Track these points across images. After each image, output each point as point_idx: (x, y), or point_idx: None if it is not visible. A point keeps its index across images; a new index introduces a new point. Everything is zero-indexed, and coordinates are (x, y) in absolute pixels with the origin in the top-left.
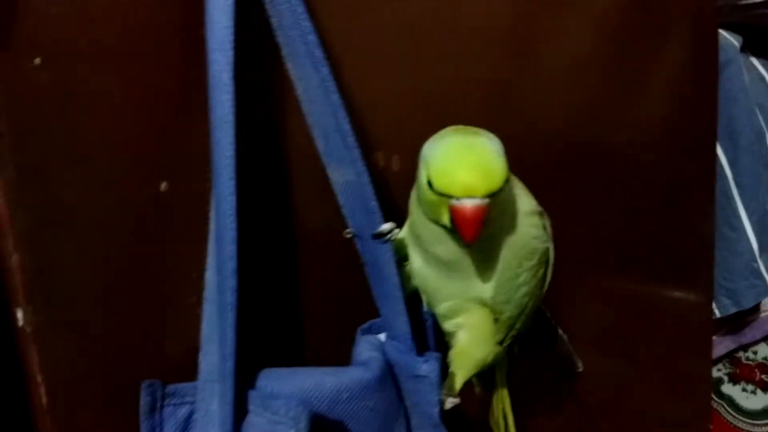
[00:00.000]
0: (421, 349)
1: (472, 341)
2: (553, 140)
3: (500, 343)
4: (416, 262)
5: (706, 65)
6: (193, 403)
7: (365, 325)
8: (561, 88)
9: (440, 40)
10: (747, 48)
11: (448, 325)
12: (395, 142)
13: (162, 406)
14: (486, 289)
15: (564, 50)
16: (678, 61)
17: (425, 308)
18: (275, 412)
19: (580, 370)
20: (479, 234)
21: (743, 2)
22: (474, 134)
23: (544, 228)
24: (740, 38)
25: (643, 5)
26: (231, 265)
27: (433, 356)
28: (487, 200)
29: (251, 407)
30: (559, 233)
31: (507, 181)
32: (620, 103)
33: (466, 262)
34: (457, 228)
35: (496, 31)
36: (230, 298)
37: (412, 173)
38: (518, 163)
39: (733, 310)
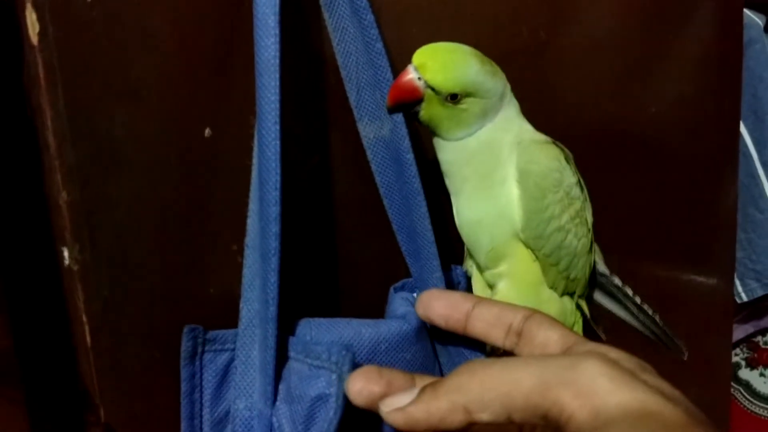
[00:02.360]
0: None
1: (512, 286)
2: (576, 119)
3: (558, 293)
4: (456, 209)
5: (731, 43)
6: (233, 350)
7: (398, 284)
8: (586, 66)
9: (475, 8)
10: None
11: (490, 277)
12: None
13: (203, 352)
14: (515, 220)
15: (589, 28)
16: (703, 40)
17: (462, 269)
18: (317, 357)
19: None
20: (401, 102)
21: None
22: (468, 51)
23: (567, 160)
24: (764, 17)
25: None
26: (275, 210)
27: None
28: (421, 81)
29: (292, 354)
30: None
31: (463, 93)
32: (644, 82)
33: (472, 172)
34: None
35: (527, 4)
36: (273, 243)
37: None
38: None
39: (760, 292)
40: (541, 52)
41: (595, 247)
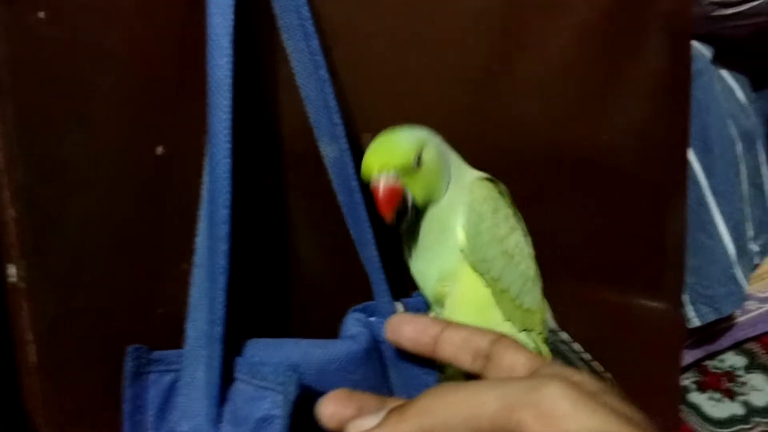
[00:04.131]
0: None
1: (461, 300)
2: (526, 146)
3: (516, 326)
4: (408, 260)
5: (680, 74)
6: (178, 370)
7: (359, 306)
8: (538, 95)
9: (431, 34)
10: (717, 60)
11: (440, 298)
12: (385, 124)
13: (147, 373)
14: (460, 239)
15: (542, 58)
16: (652, 70)
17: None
18: (263, 378)
19: None
20: (395, 208)
21: (714, 14)
22: (393, 129)
23: (501, 193)
24: (711, 49)
25: (619, 16)
26: (224, 228)
27: None
28: (392, 174)
29: (238, 375)
30: (533, 236)
31: (419, 153)
32: (595, 110)
33: (435, 227)
34: (377, 207)
35: (482, 31)
36: (222, 261)
37: None
38: (492, 165)
39: (713, 317)
40: (493, 80)
41: (545, 304)
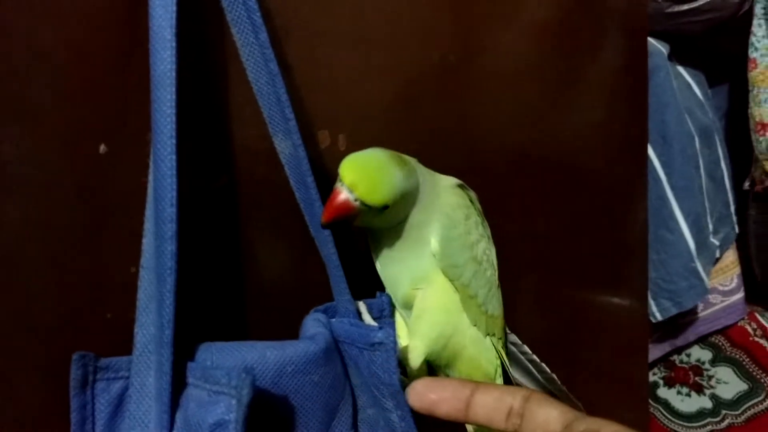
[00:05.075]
0: None
1: (430, 302)
2: (485, 146)
3: (482, 332)
4: (378, 266)
5: (637, 70)
6: (127, 377)
7: (320, 307)
8: (495, 95)
9: (386, 32)
10: (673, 56)
11: (410, 302)
12: (342, 121)
13: (95, 381)
14: (432, 244)
15: (498, 57)
16: (609, 67)
17: (387, 296)
18: (216, 382)
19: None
20: (337, 220)
21: (669, 10)
22: (384, 158)
23: (471, 200)
24: (668, 46)
25: (575, 14)
26: (171, 227)
27: (388, 322)
28: (355, 198)
29: (190, 379)
30: (494, 235)
31: (390, 202)
32: (553, 109)
33: (410, 235)
34: (325, 205)
35: (437, 31)
36: (169, 262)
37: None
38: (451, 165)
39: (674, 311)
40: (452, 77)
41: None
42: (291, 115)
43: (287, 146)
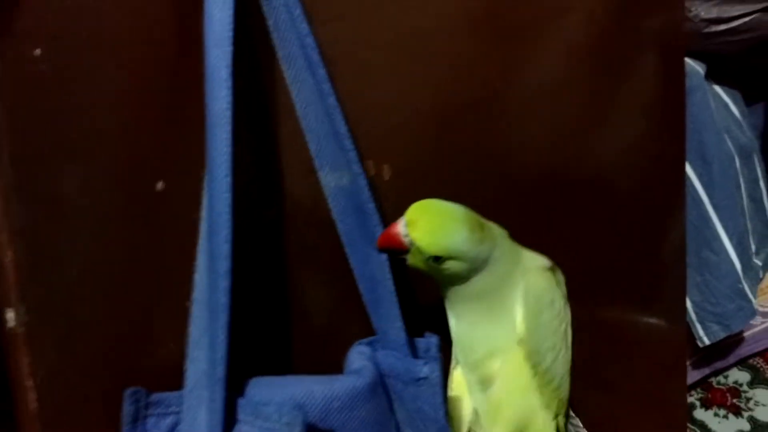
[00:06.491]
0: None
1: (508, 391)
2: (523, 168)
3: (552, 414)
4: (452, 320)
5: (674, 91)
6: (178, 413)
7: (364, 339)
8: (533, 116)
9: (426, 57)
10: (710, 76)
11: (481, 374)
12: (386, 152)
13: (146, 416)
14: (519, 329)
15: (537, 78)
16: (648, 88)
17: (435, 339)
18: (267, 418)
19: None
20: (384, 250)
21: (706, 30)
22: (454, 214)
23: (558, 283)
24: (704, 66)
25: (612, 34)
26: (225, 264)
27: (433, 356)
28: (408, 238)
29: (241, 416)
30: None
31: (445, 256)
32: (590, 130)
33: (484, 300)
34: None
35: (476, 55)
36: (223, 299)
37: (401, 183)
38: (490, 188)
39: (722, 335)
40: (491, 101)
41: None
42: (351, 146)
43: (337, 178)
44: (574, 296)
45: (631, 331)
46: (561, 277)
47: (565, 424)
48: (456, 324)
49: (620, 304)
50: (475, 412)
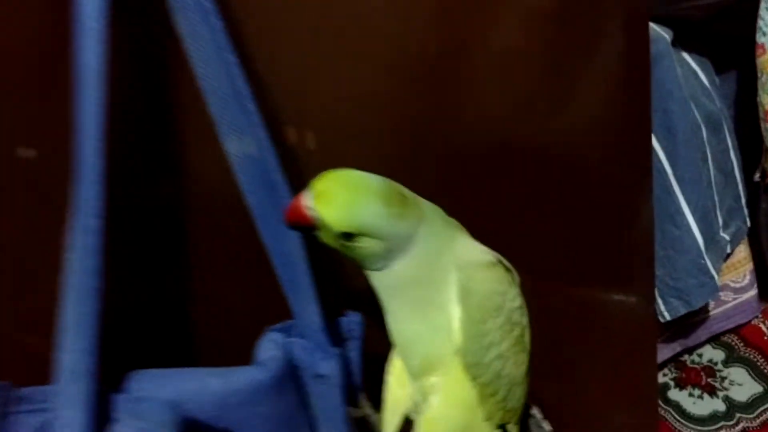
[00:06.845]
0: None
1: (446, 406)
2: (481, 138)
3: (494, 424)
4: (385, 315)
5: (638, 58)
6: (49, 409)
7: (276, 326)
8: (490, 84)
9: (361, 15)
10: (677, 42)
11: (421, 385)
12: (310, 117)
13: (10, 413)
14: (455, 342)
15: (494, 46)
16: (609, 55)
17: (358, 317)
18: (140, 416)
19: None
20: (293, 226)
21: None
22: (365, 183)
23: (511, 283)
24: (670, 32)
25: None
26: (93, 240)
27: (334, 352)
28: (313, 214)
29: (119, 414)
30: (491, 239)
31: (355, 232)
32: (552, 100)
33: (415, 288)
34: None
35: (425, 20)
36: (91, 281)
37: (329, 153)
38: (445, 162)
39: (683, 310)
40: (437, 68)
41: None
42: (253, 109)
43: (243, 145)
44: (536, 275)
45: (598, 309)
46: (516, 276)
47: (519, 422)
48: (390, 320)
49: (586, 282)
50: (414, 403)
